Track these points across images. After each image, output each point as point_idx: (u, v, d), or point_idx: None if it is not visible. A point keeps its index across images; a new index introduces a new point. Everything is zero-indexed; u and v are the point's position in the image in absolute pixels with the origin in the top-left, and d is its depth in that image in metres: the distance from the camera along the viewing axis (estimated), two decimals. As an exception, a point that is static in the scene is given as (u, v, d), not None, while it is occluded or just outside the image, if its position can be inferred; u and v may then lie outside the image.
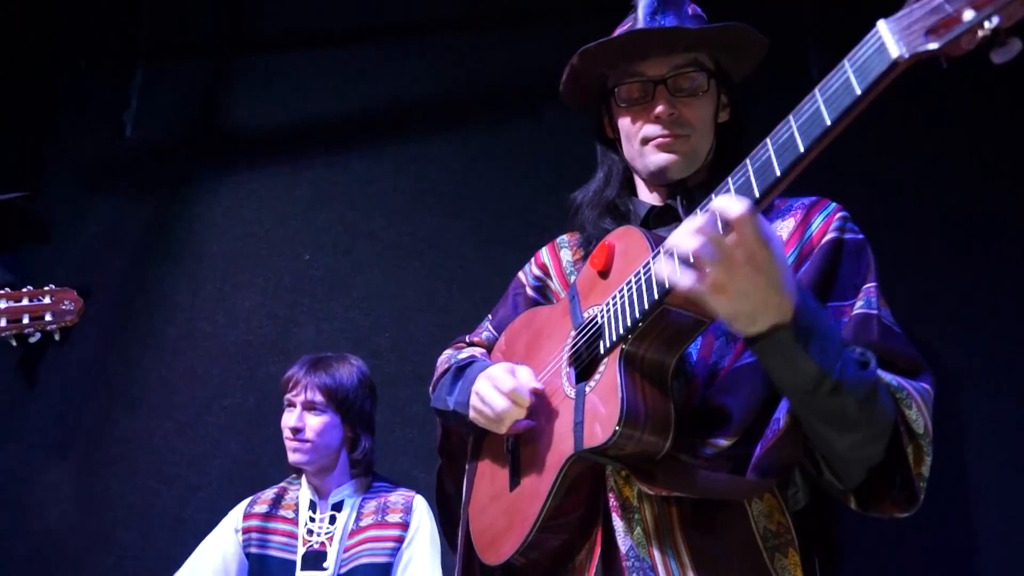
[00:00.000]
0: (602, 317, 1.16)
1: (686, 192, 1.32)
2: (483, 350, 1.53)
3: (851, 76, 0.83)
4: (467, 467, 1.44)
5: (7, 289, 2.05)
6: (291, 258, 3.11)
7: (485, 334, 1.56)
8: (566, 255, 1.48)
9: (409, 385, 2.85)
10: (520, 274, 1.56)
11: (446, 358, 1.54)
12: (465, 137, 3.08)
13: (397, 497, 2.18)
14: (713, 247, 0.92)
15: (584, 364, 1.20)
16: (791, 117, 0.90)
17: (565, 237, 1.52)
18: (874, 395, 1.02)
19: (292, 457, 2.17)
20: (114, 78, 3.49)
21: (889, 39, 0.79)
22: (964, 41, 0.75)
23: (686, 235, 0.95)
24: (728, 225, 0.91)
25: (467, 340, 1.59)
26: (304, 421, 2.15)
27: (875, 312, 1.15)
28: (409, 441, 2.80)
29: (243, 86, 3.39)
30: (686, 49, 1.30)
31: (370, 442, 2.25)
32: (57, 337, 2.02)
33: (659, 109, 1.28)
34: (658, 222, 1.34)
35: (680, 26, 1.29)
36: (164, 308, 3.16)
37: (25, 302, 2.02)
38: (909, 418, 1.06)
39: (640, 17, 1.32)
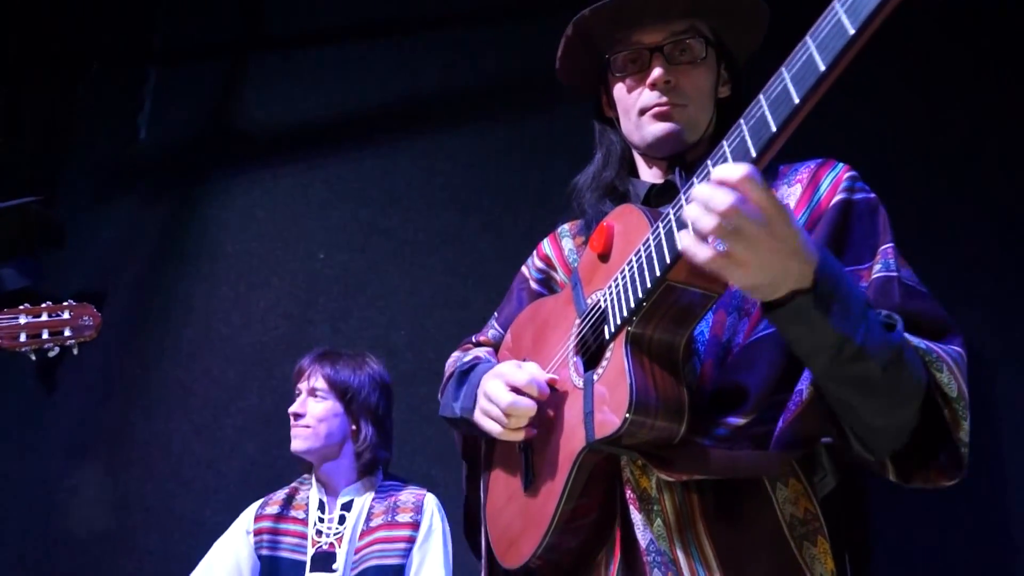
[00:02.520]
0: (605, 301, 1.12)
1: (685, 167, 1.27)
2: (490, 349, 1.48)
3: (843, 16, 0.79)
4: (482, 471, 1.40)
5: (27, 304, 2.05)
6: (306, 257, 3.09)
7: (491, 332, 1.51)
8: (568, 243, 1.44)
9: (427, 382, 2.81)
10: (523, 268, 1.51)
11: (453, 361, 1.50)
12: (479, 132, 3.04)
13: (407, 496, 2.14)
14: (726, 220, 0.87)
15: (591, 351, 1.15)
16: (783, 69, 0.86)
17: (566, 226, 1.47)
18: (900, 359, 0.96)
19: (292, 444, 2.15)
20: (127, 81, 3.50)
21: None
22: None
23: (699, 210, 0.89)
24: (735, 191, 0.87)
25: (474, 340, 1.54)
26: (305, 407, 2.15)
27: (895, 274, 1.08)
28: (427, 439, 2.76)
29: (255, 86, 3.38)
30: (682, 15, 1.25)
31: (372, 434, 2.20)
32: (75, 351, 2.03)
33: (656, 74, 1.23)
34: (659, 200, 1.28)
35: None
36: (180, 310, 3.16)
37: (44, 317, 2.02)
38: (941, 382, 1.00)
39: None
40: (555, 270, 1.44)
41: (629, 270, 1.07)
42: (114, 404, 3.11)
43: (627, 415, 1.00)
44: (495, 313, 1.54)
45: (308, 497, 2.18)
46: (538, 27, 3.05)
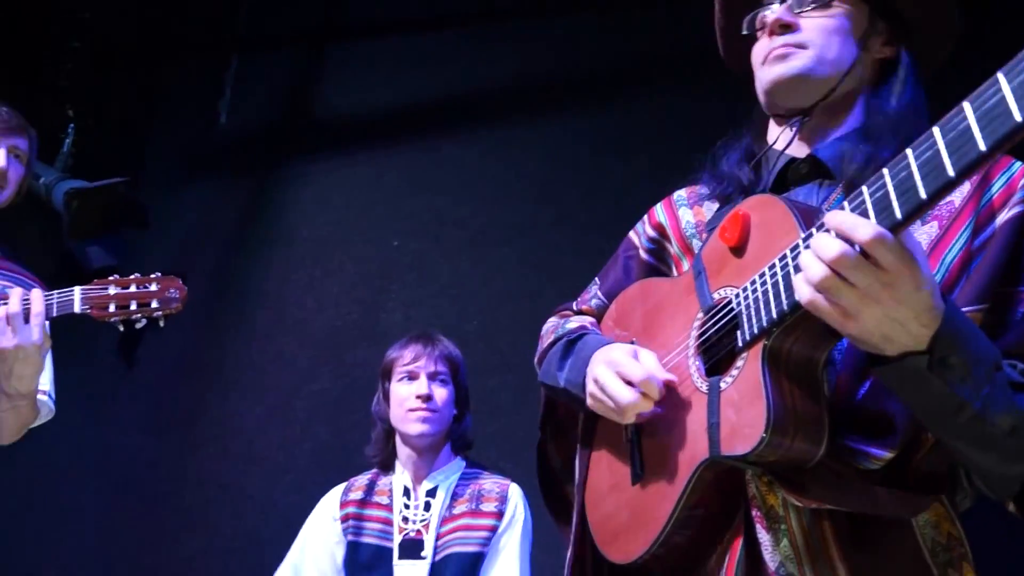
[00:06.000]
0: (739, 304, 1.01)
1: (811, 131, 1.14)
2: (592, 319, 1.36)
3: None
4: (579, 448, 1.32)
5: (116, 276, 2.10)
6: (380, 244, 3.11)
7: (594, 302, 1.37)
8: (686, 214, 1.28)
9: (497, 374, 2.79)
10: (631, 234, 1.36)
11: (551, 327, 1.38)
12: (556, 123, 3.01)
13: (491, 484, 2.11)
14: (842, 277, 0.82)
15: (716, 354, 1.06)
16: (968, 104, 0.73)
17: (683, 193, 1.32)
18: None
19: (419, 428, 2.07)
20: (210, 68, 3.57)
21: None
22: None
23: (812, 259, 0.84)
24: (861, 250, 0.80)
25: (574, 307, 1.41)
26: (432, 390, 2.10)
27: None
28: (496, 432, 2.74)
29: (333, 73, 3.42)
30: None
31: (470, 420, 2.20)
32: (162, 324, 2.07)
33: (770, 17, 1.11)
34: (795, 177, 1.15)
35: None
36: (255, 293, 3.21)
37: (133, 289, 2.05)
38: None
39: None
40: (668, 241, 1.31)
41: (772, 276, 0.96)
42: (190, 383, 3.19)
43: (763, 435, 0.92)
44: (595, 279, 1.40)
45: (392, 483, 2.15)
46: (615, 19, 3.00)
